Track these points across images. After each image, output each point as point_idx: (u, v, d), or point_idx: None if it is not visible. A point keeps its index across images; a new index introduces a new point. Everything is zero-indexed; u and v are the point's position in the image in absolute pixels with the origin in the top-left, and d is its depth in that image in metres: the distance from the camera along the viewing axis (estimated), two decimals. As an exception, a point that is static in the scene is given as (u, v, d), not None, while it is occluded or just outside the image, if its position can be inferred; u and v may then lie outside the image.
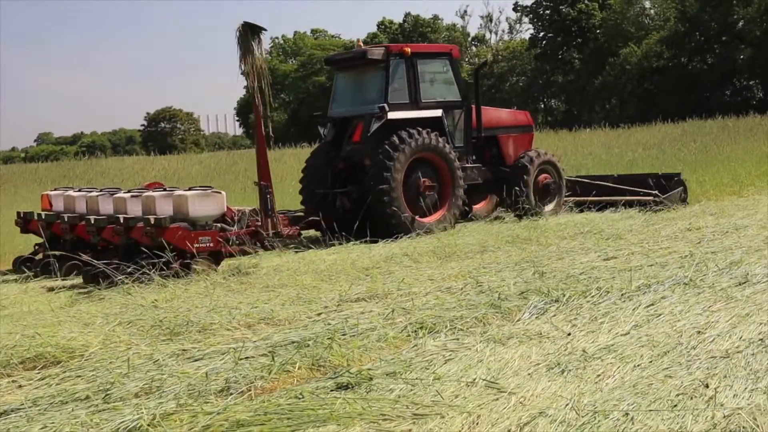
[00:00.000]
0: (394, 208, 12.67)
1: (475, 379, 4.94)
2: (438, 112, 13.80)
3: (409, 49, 13.60)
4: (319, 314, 7.03)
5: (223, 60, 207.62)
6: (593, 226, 12.05)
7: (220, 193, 10.56)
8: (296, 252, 11.79)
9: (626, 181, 15.27)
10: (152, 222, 9.86)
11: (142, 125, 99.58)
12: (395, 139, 12.89)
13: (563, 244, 10.46)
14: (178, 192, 10.50)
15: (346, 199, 13.44)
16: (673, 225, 11.69)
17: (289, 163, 28.00)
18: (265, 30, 11.02)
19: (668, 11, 61.17)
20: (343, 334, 6.13)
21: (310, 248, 12.10)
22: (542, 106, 74.16)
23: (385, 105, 13.10)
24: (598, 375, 4.99)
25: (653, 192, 14.55)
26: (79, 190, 12.44)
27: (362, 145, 13.26)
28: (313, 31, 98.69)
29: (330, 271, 9.50)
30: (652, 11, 65.84)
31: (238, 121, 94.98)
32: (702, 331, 5.86)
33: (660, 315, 6.37)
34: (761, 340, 5.58)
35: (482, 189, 14.75)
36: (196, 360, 5.72)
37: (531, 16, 73.30)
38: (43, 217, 11.96)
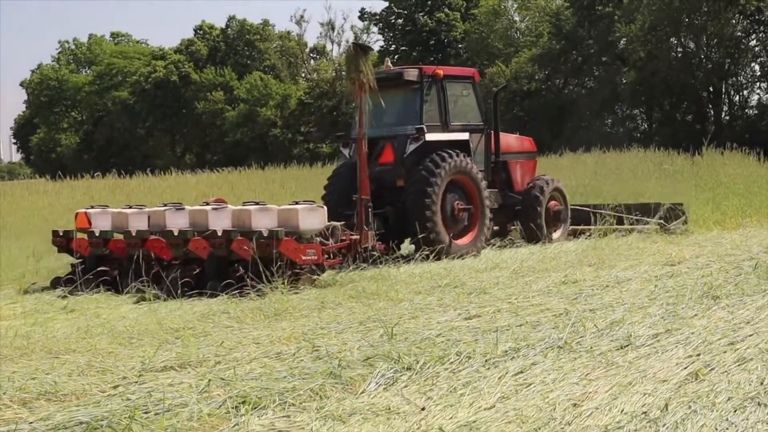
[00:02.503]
0: (437, 229, 15.17)
1: (309, 466, 4.93)
2: (465, 135, 16.62)
3: (441, 72, 16.31)
4: (115, 387, 6.86)
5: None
6: (453, 279, 12.27)
7: (323, 207, 13.19)
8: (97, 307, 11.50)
9: (631, 210, 18.24)
10: (265, 234, 12.11)
11: None
12: (433, 160, 15.46)
13: (417, 300, 10.59)
14: (285, 206, 13.00)
15: (378, 221, 15.35)
16: (547, 277, 12.04)
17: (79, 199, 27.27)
18: (372, 50, 13.65)
19: (541, 26, 63.07)
20: (146, 412, 6.00)
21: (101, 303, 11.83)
22: (394, 133, 75.09)
23: (423, 126, 15.73)
24: (458, 458, 5.06)
25: (660, 221, 17.47)
26: (130, 207, 14.73)
27: (394, 166, 15.81)
28: (113, 35, 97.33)
29: (130, 332, 9.31)
30: (522, 25, 67.70)
31: (15, 144, 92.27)
32: (578, 403, 6.04)
33: (530, 385, 6.52)
34: (645, 413, 5.79)
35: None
36: (-47, 447, 5.48)
37: (381, 25, 74.42)
38: (97, 234, 14.01)
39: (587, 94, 59.05)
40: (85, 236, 14.31)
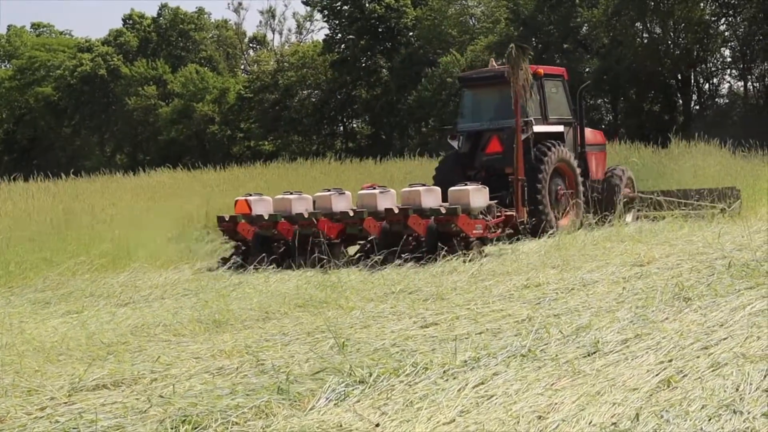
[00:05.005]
0: (546, 211, 18.23)
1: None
2: (561, 128, 19.83)
3: (542, 70, 19.42)
4: (43, 409, 6.81)
5: None
6: (407, 284, 12.29)
7: (486, 188, 16.19)
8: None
9: (690, 195, 21.21)
10: (443, 211, 15.17)
11: None
12: (541, 150, 18.62)
13: (369, 308, 10.60)
14: (457, 186, 15.99)
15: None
16: (507, 281, 12.09)
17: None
18: (530, 49, 18.02)
19: (498, 11, 63.19)
20: (77, 435, 5.96)
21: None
22: (341, 128, 75.18)
23: (531, 119, 18.67)
24: (415, 477, 5.07)
25: (720, 205, 19.87)
26: (291, 193, 17.45)
27: (503, 156, 18.84)
28: (34, 26, 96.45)
29: (58, 348, 9.23)
30: (477, 11, 67.86)
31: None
32: (543, 415, 6.07)
33: (492, 397, 6.55)
34: (614, 424, 5.84)
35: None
36: None
37: (325, 12, 74.21)
38: (266, 218, 16.79)
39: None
40: (248, 221, 16.97)
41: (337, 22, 72.69)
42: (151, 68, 78.79)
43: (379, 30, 70.38)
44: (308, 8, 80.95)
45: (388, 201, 16.12)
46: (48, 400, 7.04)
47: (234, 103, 74.05)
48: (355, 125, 75.89)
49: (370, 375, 7.10)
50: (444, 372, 7.22)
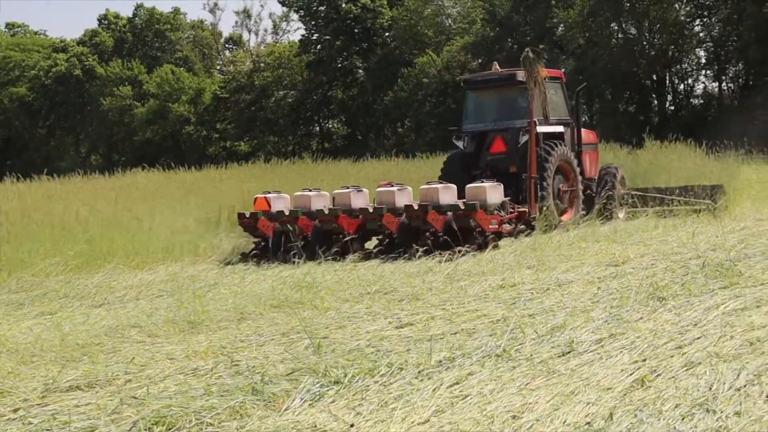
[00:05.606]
0: (550, 208, 18.66)
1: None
2: (561, 128, 20.39)
3: (545, 73, 19.56)
4: (16, 410, 6.78)
5: None
6: (383, 284, 12.28)
7: (501, 185, 16.93)
8: None
9: (676, 192, 21.75)
10: (462, 207, 15.95)
11: None
12: (545, 149, 19.05)
13: (345, 308, 10.60)
14: (474, 183, 16.86)
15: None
16: (483, 281, 12.10)
17: None
18: (545, 53, 19.81)
19: (474, 12, 63.32)
20: (50, 437, 5.94)
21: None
22: (317, 128, 75.18)
23: (536, 120, 19.00)
24: (389, 477, 5.07)
25: (707, 201, 20.43)
26: (310, 190, 18.09)
27: (507, 155, 19.60)
28: (9, 26, 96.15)
29: (32, 349, 9.18)
30: (454, 11, 67.94)
31: None
32: (518, 415, 6.09)
33: (467, 397, 6.56)
34: (588, 423, 5.85)
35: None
36: None
37: (302, 12, 74.20)
38: (287, 213, 17.47)
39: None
40: (268, 217, 17.60)
41: (313, 22, 72.73)
42: (127, 68, 78.64)
43: (355, 30, 70.43)
44: (284, 9, 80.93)
45: (405, 198, 16.86)
46: (21, 401, 7.01)
47: (210, 103, 74.00)
48: (331, 126, 75.95)
49: (345, 375, 7.10)
50: (419, 372, 7.22)
